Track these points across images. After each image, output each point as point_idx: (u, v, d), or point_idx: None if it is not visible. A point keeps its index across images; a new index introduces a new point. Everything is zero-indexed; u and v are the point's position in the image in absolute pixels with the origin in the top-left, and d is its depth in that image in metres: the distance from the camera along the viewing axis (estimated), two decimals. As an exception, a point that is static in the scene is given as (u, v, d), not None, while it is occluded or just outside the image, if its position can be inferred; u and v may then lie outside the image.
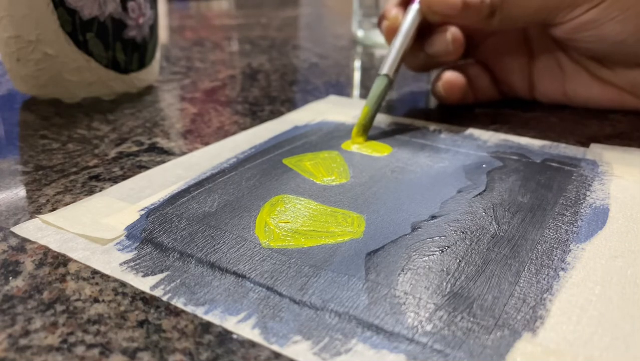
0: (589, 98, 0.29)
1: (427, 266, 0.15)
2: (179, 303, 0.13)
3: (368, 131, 0.25)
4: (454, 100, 0.29)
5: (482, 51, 0.31)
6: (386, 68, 0.26)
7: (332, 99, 0.32)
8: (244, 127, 0.27)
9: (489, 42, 0.30)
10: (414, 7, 0.28)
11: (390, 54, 0.26)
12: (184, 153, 0.23)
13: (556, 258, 0.15)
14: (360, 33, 0.51)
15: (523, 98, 0.31)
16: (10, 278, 0.14)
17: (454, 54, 0.28)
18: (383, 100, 0.26)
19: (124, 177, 0.21)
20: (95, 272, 0.15)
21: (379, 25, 0.31)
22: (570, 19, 0.26)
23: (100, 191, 0.20)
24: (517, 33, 0.30)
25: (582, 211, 0.18)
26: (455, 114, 0.29)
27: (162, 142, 0.25)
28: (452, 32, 0.27)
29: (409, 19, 0.27)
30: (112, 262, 0.15)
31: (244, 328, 0.12)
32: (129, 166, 0.22)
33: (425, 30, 0.28)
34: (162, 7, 0.77)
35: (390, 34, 0.28)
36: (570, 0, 0.26)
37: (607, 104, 0.29)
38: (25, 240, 0.16)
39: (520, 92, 0.31)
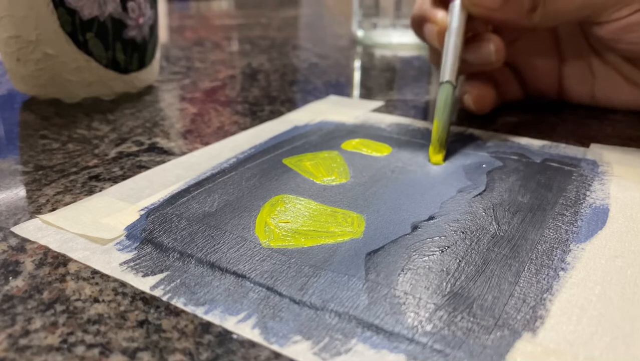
0: (617, 101, 0.29)
1: (427, 266, 0.15)
2: (179, 303, 0.13)
3: (445, 146, 0.23)
4: (484, 112, 0.28)
5: (512, 52, 0.30)
6: (447, 74, 0.24)
7: (332, 99, 0.32)
8: (244, 127, 0.27)
9: (520, 43, 0.30)
10: (457, 4, 0.26)
11: (448, 58, 0.24)
12: (184, 153, 0.23)
13: (556, 258, 0.15)
14: (360, 33, 0.51)
15: (549, 97, 0.31)
16: (10, 278, 0.14)
17: (495, 64, 0.27)
18: (453, 109, 0.24)
19: (124, 177, 0.21)
20: (95, 272, 0.15)
21: (417, 29, 0.29)
22: (617, 18, 0.25)
23: (100, 191, 0.20)
24: (547, 34, 0.29)
25: (582, 211, 0.18)
26: (456, 114, 0.29)
27: (162, 142, 0.25)
28: (495, 42, 0.26)
29: (457, 17, 0.25)
30: (112, 262, 0.15)
31: (244, 328, 0.12)
32: (129, 166, 0.22)
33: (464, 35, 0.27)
34: (162, 7, 0.77)
35: (442, 37, 0.26)
36: None
37: (635, 106, 0.29)
38: (25, 240, 0.16)
39: (548, 94, 0.31)
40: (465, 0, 0.26)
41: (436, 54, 0.29)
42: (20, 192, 0.20)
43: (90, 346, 0.12)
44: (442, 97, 0.24)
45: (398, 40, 0.49)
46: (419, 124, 0.27)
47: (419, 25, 0.28)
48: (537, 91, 0.31)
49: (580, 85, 0.30)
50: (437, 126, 0.23)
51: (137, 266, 0.15)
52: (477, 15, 0.26)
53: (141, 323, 0.13)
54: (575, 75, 0.29)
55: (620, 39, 0.26)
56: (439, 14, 0.27)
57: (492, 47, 0.26)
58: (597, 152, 0.23)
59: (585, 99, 0.30)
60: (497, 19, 0.26)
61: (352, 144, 0.24)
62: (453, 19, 0.25)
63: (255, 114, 0.29)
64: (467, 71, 0.29)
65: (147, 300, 0.13)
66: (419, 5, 0.28)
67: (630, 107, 0.29)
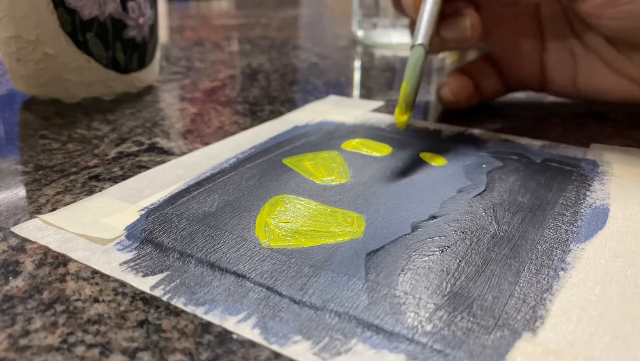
0: (599, 89, 0.28)
1: (427, 266, 0.15)
2: (179, 303, 0.13)
3: (412, 109, 0.22)
4: (461, 105, 0.29)
5: (494, 39, 0.30)
6: (421, 37, 0.24)
7: (332, 99, 0.32)
8: (244, 127, 0.27)
9: (502, 29, 0.29)
10: None
11: (422, 22, 0.24)
12: (184, 153, 0.23)
13: (556, 258, 0.15)
14: (360, 33, 0.51)
15: (532, 90, 0.30)
16: (10, 278, 0.14)
17: (470, 41, 0.26)
18: (422, 73, 0.23)
19: (124, 177, 0.21)
20: (95, 272, 0.15)
21: (396, 3, 0.28)
22: None
23: (100, 191, 0.20)
24: (530, 20, 0.29)
25: (582, 211, 0.18)
26: (455, 114, 0.29)
27: (162, 142, 0.25)
28: (472, 17, 0.26)
29: None
30: (112, 262, 0.15)
31: (244, 328, 0.12)
32: (129, 166, 0.22)
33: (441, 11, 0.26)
34: (162, 7, 0.77)
35: (417, 6, 0.25)
36: None
37: (616, 96, 0.28)
38: (25, 240, 0.16)
39: (531, 83, 0.30)
40: None
41: (414, 25, 0.28)
42: (20, 192, 0.20)
43: (90, 346, 0.12)
44: (413, 59, 0.23)
45: (398, 40, 0.49)
46: (419, 124, 0.27)
47: None
48: (518, 82, 0.30)
49: (562, 73, 0.29)
50: (404, 87, 0.22)
51: (137, 266, 0.15)
52: None
53: (141, 323, 0.13)
54: (558, 62, 0.29)
55: (603, 14, 0.25)
56: None
57: (467, 22, 0.26)
58: (597, 152, 0.23)
59: (568, 89, 0.29)
60: None
61: (352, 144, 0.24)
62: None
63: (255, 114, 0.29)
64: (444, 48, 0.29)
65: (147, 300, 0.13)
66: None
67: (611, 97, 0.28)
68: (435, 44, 0.27)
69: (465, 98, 0.28)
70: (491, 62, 0.30)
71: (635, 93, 0.28)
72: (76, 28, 0.28)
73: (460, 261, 0.15)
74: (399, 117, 0.22)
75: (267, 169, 0.21)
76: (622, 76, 0.28)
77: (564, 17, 0.28)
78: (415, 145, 0.24)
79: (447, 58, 0.45)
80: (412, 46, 0.24)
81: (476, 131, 0.26)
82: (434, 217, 0.17)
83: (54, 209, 0.18)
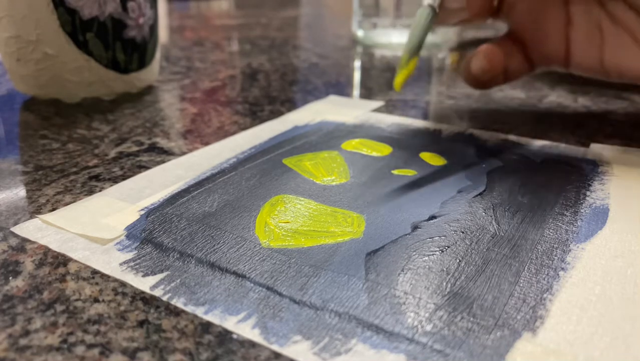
0: (627, 67, 0.27)
1: (427, 266, 0.15)
2: (179, 303, 0.13)
3: (417, 54, 0.22)
4: (495, 75, 0.27)
5: (517, 13, 0.28)
6: None
7: (332, 99, 0.32)
8: (244, 127, 0.27)
9: (525, 2, 0.28)
10: None
11: None
12: (184, 153, 0.23)
13: (556, 258, 0.15)
14: (360, 33, 0.51)
15: (557, 67, 0.29)
16: (10, 278, 0.14)
17: (473, 17, 0.25)
18: (427, 32, 0.23)
19: (124, 177, 0.21)
20: (95, 272, 0.15)
21: None
22: None
23: (100, 191, 0.20)
24: None
25: (582, 211, 0.18)
26: (456, 114, 0.29)
27: (162, 142, 0.25)
28: None
29: None
30: (112, 262, 0.15)
31: (244, 328, 0.12)
32: (129, 166, 0.22)
33: None
34: (162, 7, 0.77)
35: None
36: None
37: None
38: (25, 240, 0.16)
39: (555, 60, 0.29)
40: None
41: None
42: (20, 192, 0.20)
43: (90, 346, 0.12)
44: (420, 17, 0.23)
45: (398, 40, 0.49)
46: (419, 124, 0.27)
47: None
48: (543, 58, 0.29)
49: (589, 49, 0.27)
50: (409, 39, 0.22)
51: (137, 266, 0.15)
52: None
53: (141, 323, 0.13)
54: (584, 36, 0.27)
55: None
56: None
57: None
58: (597, 152, 0.23)
59: (594, 67, 0.28)
60: None
61: (352, 144, 0.24)
62: None
63: (255, 114, 0.29)
64: (449, 20, 0.28)
65: (147, 300, 0.13)
66: None
67: (639, 77, 0.27)
68: (441, 14, 0.26)
69: (500, 67, 0.27)
70: (513, 40, 0.29)
71: None
72: (76, 28, 0.28)
73: (460, 261, 0.15)
74: (400, 76, 0.22)
75: (267, 169, 0.21)
76: None
77: None
78: (415, 145, 0.24)
79: (447, 58, 0.45)
80: (422, 6, 0.23)
81: (476, 131, 0.26)
82: (434, 217, 0.17)
83: (54, 209, 0.18)
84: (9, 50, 0.29)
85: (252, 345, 0.12)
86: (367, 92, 0.34)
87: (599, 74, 0.28)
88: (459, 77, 0.29)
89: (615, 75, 0.27)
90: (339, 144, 0.24)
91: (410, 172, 0.21)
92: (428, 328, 0.12)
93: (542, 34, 0.28)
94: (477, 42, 0.42)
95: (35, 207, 0.18)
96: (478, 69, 0.27)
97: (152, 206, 0.18)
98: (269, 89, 0.35)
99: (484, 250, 0.16)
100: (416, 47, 0.22)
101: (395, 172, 0.21)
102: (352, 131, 0.26)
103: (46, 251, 0.16)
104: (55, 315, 0.13)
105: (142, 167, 0.22)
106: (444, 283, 0.14)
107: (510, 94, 0.32)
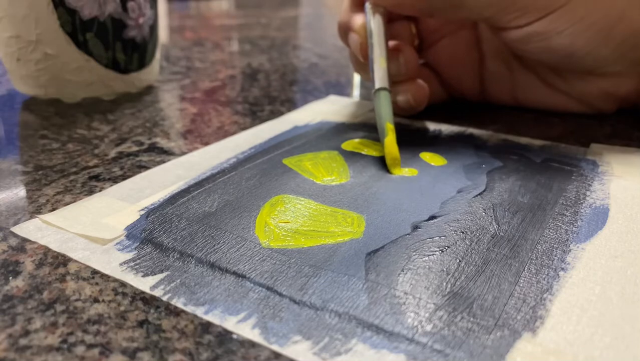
0: (536, 102, 0.29)
1: (427, 266, 0.15)
2: (179, 303, 0.13)
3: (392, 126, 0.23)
4: (422, 107, 0.28)
5: (434, 53, 0.30)
6: (383, 81, 0.24)
7: (332, 99, 0.32)
8: (244, 127, 0.27)
9: (442, 43, 0.30)
10: (368, 8, 0.26)
11: (377, 65, 0.24)
12: (184, 153, 0.23)
13: (556, 258, 0.15)
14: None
15: (472, 101, 0.31)
16: (10, 278, 0.14)
17: (406, 75, 0.26)
18: (391, 111, 0.24)
19: (124, 177, 0.21)
20: (95, 272, 0.15)
21: (343, 38, 0.28)
22: (518, 26, 0.25)
23: (100, 191, 0.20)
24: (469, 35, 0.30)
25: (582, 211, 0.18)
26: (456, 114, 0.29)
27: (162, 142, 0.25)
28: (406, 55, 0.26)
29: (376, 22, 0.25)
30: (112, 262, 0.15)
31: (244, 328, 0.12)
32: (129, 166, 0.22)
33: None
34: (162, 7, 0.77)
35: (364, 50, 0.26)
36: (521, 4, 0.24)
37: (554, 108, 0.29)
38: (25, 240, 0.16)
39: (470, 95, 0.31)
40: (371, 3, 0.26)
41: (360, 64, 0.28)
42: (20, 192, 0.20)
43: (90, 346, 0.12)
44: (385, 102, 0.23)
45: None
46: (419, 124, 0.27)
47: (344, 34, 0.28)
48: (458, 93, 0.31)
49: (500, 86, 0.30)
50: (391, 135, 0.22)
51: (137, 266, 0.15)
52: (386, 7, 0.26)
53: (141, 323, 0.13)
54: (496, 76, 0.30)
55: (524, 48, 0.26)
56: (358, 21, 0.26)
57: (401, 60, 0.26)
58: (597, 152, 0.23)
59: (507, 100, 0.30)
60: (407, 12, 0.26)
61: (352, 144, 0.24)
62: (373, 24, 0.25)
63: (255, 114, 0.29)
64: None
65: (147, 300, 0.13)
66: (342, 12, 0.28)
67: (550, 108, 0.29)
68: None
69: (425, 101, 0.28)
70: (433, 70, 0.31)
71: (571, 106, 0.29)
72: (76, 28, 0.28)
73: (460, 261, 0.15)
74: (396, 170, 0.21)
75: (267, 169, 0.21)
76: (558, 92, 0.29)
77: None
78: (415, 145, 0.24)
79: None
80: (376, 91, 0.24)
81: (476, 131, 0.26)
82: (434, 217, 0.17)
83: (54, 209, 0.18)
84: (9, 50, 0.29)
85: (252, 345, 0.12)
86: (367, 92, 0.34)
87: (513, 104, 0.30)
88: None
89: (527, 106, 0.30)
90: (339, 144, 0.24)
91: (410, 172, 0.21)
92: (428, 328, 0.12)
93: (458, 73, 0.30)
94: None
95: (35, 207, 0.18)
96: (405, 104, 0.27)
97: (152, 206, 0.18)
98: (269, 89, 0.35)
99: (484, 250, 0.16)
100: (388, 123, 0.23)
101: (395, 172, 0.21)
102: (352, 131, 0.26)
103: (46, 251, 0.16)
104: (55, 315, 0.13)
105: (142, 167, 0.22)
106: (444, 283, 0.14)
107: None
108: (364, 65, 0.27)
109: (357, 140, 0.25)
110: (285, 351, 0.12)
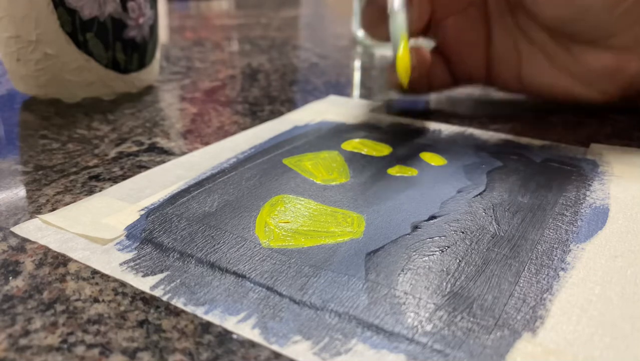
0: (541, 85, 0.29)
1: (427, 266, 0.15)
2: (179, 303, 0.13)
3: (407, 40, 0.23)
4: (420, 72, 0.28)
5: (442, 31, 0.30)
6: (400, 4, 0.25)
7: (332, 99, 0.32)
8: (244, 127, 0.27)
9: (449, 21, 0.30)
10: None
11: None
12: (184, 153, 0.23)
13: (556, 258, 0.15)
14: (360, 33, 0.51)
15: (478, 83, 0.31)
16: (10, 278, 0.14)
17: (418, 24, 0.27)
18: (407, 29, 0.25)
19: (124, 177, 0.21)
20: (95, 272, 0.15)
21: None
22: None
23: (100, 191, 0.20)
24: (477, 13, 0.29)
25: (582, 211, 0.18)
26: (456, 114, 0.29)
27: (162, 142, 0.25)
28: (420, 5, 0.27)
29: None
30: (112, 262, 0.15)
31: (244, 328, 0.12)
32: (129, 166, 0.22)
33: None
34: (162, 7, 0.77)
35: None
36: None
37: (558, 92, 0.29)
38: (25, 240, 0.16)
39: (476, 76, 0.31)
40: None
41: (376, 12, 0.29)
42: (20, 192, 0.20)
43: (90, 346, 0.12)
44: (402, 19, 0.24)
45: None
46: (419, 124, 0.27)
47: None
48: (465, 74, 0.31)
49: (507, 67, 0.30)
50: (404, 39, 0.23)
51: (137, 266, 0.15)
52: None
53: (141, 323, 0.13)
54: (503, 56, 0.29)
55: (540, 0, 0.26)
56: None
57: (416, 14, 0.27)
58: (597, 152, 0.23)
59: (512, 84, 0.30)
60: None
61: (352, 144, 0.24)
62: None
63: (255, 114, 0.29)
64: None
65: (147, 300, 0.13)
66: None
67: (553, 94, 0.29)
68: (384, 34, 0.28)
69: (426, 66, 0.28)
70: (438, 54, 0.30)
71: (576, 91, 0.28)
72: (76, 28, 0.28)
73: (460, 261, 0.15)
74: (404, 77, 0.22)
75: (267, 169, 0.21)
76: (563, 72, 0.28)
77: (509, 11, 0.29)
78: (415, 145, 0.24)
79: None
80: (392, 11, 0.25)
81: (476, 131, 0.26)
82: (434, 217, 0.17)
83: (54, 209, 0.18)
84: (9, 50, 0.29)
85: (252, 345, 0.12)
86: (367, 92, 0.34)
87: (517, 90, 0.30)
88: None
89: (533, 91, 0.30)
90: (339, 144, 0.24)
91: (410, 172, 0.21)
92: (428, 328, 0.12)
93: (465, 52, 0.30)
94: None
95: (35, 207, 0.18)
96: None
97: (152, 206, 0.18)
98: (269, 89, 0.35)
99: (484, 250, 0.16)
100: (403, 35, 0.24)
101: (395, 172, 0.21)
102: (352, 131, 0.26)
103: (46, 251, 0.16)
104: (55, 315, 0.13)
105: (142, 167, 0.22)
106: (444, 283, 0.14)
107: (512, 95, 0.32)
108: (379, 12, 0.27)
109: (357, 140, 0.25)
110: (285, 351, 0.12)
